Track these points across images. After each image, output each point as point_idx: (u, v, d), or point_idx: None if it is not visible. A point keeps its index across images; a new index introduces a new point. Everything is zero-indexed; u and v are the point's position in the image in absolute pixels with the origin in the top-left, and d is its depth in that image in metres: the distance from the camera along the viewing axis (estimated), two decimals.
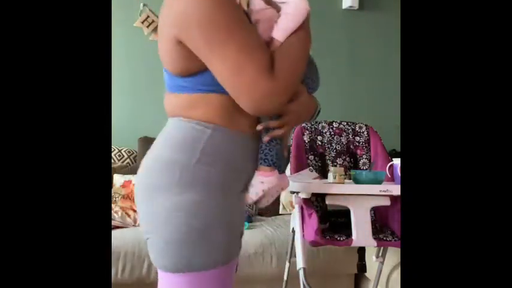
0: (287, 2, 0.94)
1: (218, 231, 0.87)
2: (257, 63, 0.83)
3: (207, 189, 0.87)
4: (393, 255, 1.96)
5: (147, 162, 0.93)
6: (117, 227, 2.26)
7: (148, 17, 2.92)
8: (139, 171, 0.94)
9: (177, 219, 0.86)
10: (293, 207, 1.77)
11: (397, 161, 1.64)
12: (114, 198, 2.35)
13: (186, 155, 0.88)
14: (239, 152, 0.93)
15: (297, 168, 1.84)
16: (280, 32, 0.92)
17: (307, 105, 0.99)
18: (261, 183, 0.96)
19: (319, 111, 1.05)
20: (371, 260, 1.99)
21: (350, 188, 1.53)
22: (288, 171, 1.83)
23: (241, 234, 0.96)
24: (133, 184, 2.38)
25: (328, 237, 1.56)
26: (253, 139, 0.95)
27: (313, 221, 1.53)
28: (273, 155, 0.97)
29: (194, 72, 0.89)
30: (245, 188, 0.97)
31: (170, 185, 0.87)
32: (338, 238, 1.55)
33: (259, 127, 0.93)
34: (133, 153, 2.77)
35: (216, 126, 0.90)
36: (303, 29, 0.93)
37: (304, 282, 1.51)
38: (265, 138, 0.95)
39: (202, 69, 0.88)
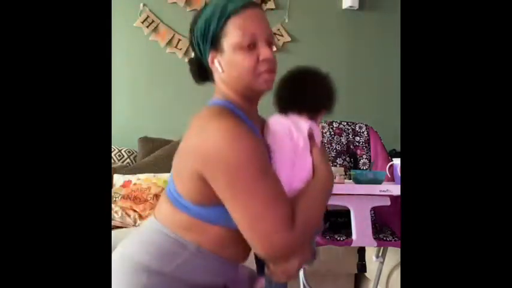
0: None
1: None
2: (278, 214, 0.82)
3: None
4: (393, 255, 1.96)
5: (115, 262, 0.92)
6: (117, 227, 2.25)
7: (148, 17, 2.92)
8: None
9: None
10: None
11: (397, 161, 1.64)
12: (114, 198, 2.35)
13: (160, 263, 0.88)
14: (214, 273, 0.93)
15: None
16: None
17: (304, 258, 0.95)
18: None
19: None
20: (371, 260, 1.98)
21: (350, 188, 1.53)
22: None
23: None
24: (134, 184, 2.38)
25: (328, 237, 1.57)
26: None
27: None
28: None
29: (205, 204, 0.88)
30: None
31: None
32: (338, 238, 1.55)
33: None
34: (133, 153, 2.76)
35: (200, 248, 0.89)
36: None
37: (304, 282, 1.51)
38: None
39: (215, 205, 0.86)
